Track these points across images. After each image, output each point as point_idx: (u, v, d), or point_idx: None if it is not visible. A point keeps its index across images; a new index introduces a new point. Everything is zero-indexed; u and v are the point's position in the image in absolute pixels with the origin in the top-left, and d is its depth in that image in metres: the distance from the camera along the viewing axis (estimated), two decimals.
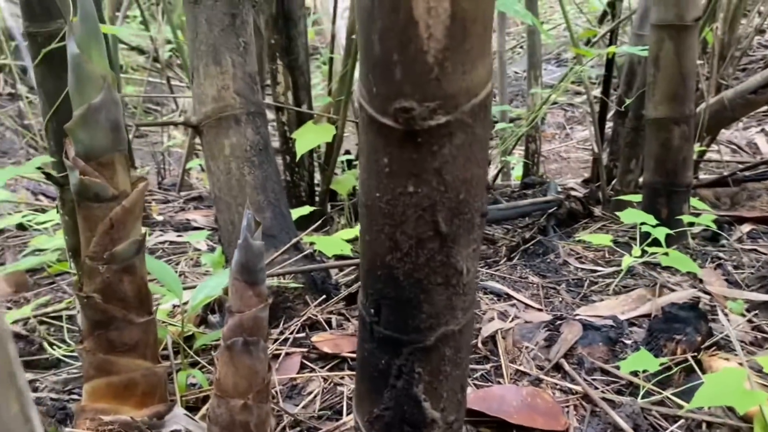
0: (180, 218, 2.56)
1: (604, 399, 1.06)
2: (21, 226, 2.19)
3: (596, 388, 1.11)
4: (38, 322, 1.37)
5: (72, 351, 1.22)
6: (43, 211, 2.18)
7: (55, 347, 1.21)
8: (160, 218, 2.51)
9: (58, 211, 0.93)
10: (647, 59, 1.75)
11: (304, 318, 1.30)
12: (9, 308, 1.48)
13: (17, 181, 3.46)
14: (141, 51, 5.72)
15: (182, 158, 3.20)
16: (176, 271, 1.77)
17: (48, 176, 0.92)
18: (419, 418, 0.66)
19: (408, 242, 0.57)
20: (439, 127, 0.51)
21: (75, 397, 1.07)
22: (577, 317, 1.34)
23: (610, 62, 2.43)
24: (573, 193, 2.34)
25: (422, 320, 0.61)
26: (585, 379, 1.13)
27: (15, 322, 1.31)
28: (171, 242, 2.14)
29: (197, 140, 3.06)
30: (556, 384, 1.12)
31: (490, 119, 0.56)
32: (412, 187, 0.54)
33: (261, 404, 0.82)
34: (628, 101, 2.17)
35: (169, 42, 4.23)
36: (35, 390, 1.10)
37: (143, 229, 0.91)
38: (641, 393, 1.06)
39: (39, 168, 0.92)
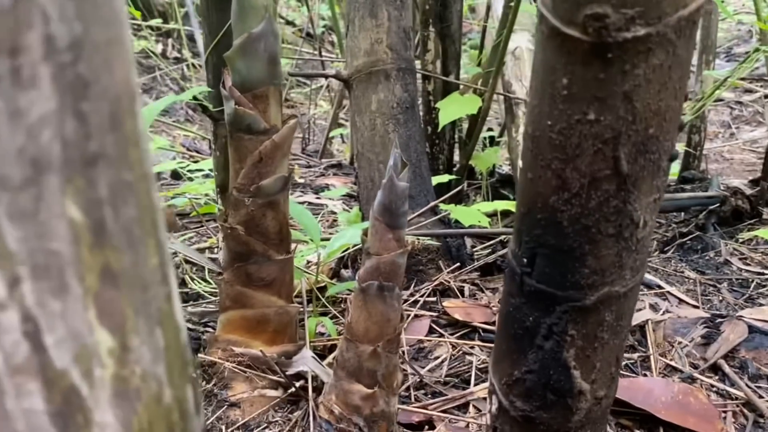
0: (319, 183, 2.62)
1: None
2: (176, 176, 2.33)
3: (761, 397, 0.97)
4: (183, 260, 1.43)
5: (212, 288, 1.26)
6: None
7: (196, 282, 1.26)
8: (301, 181, 2.58)
9: (210, 147, 0.95)
10: None
11: (436, 283, 1.25)
12: None
13: (174, 138, 3.71)
14: (293, 24, 5.92)
15: (326, 128, 3.27)
16: None
17: (203, 109, 0.94)
18: (566, 386, 0.59)
19: (579, 181, 0.50)
20: (636, 41, 0.43)
21: (209, 330, 1.10)
22: (741, 319, 1.18)
23: None
24: (741, 190, 2.10)
25: (584, 276, 0.54)
26: (748, 385, 0.99)
27: None
28: (309, 203, 2.18)
29: (341, 110, 3.11)
30: (713, 386, 1.00)
31: (695, 41, 0.47)
32: (593, 113, 0.47)
33: (390, 354, 0.78)
34: None
35: (322, 18, 4.32)
36: None
37: (290, 168, 0.90)
38: None
39: (195, 98, 0.95)
